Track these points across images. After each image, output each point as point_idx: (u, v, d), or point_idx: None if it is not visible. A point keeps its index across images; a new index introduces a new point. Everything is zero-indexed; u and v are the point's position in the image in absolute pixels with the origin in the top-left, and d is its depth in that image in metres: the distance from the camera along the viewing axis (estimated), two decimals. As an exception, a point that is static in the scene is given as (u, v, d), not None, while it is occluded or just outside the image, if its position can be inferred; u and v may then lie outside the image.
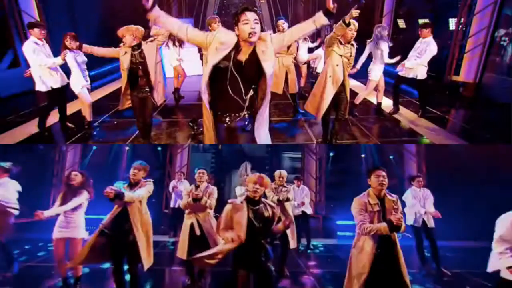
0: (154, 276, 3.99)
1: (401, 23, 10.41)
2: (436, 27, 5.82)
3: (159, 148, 7.05)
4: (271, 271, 2.65)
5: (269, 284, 2.66)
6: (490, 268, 2.71)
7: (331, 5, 2.56)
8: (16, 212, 3.61)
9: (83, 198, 3.52)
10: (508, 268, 2.56)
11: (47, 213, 3.35)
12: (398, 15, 10.31)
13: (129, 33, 4.01)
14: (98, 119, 5.67)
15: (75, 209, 3.51)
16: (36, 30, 4.59)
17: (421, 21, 8.51)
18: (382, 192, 2.71)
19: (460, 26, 7.44)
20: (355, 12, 3.49)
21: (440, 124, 5.25)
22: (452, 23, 8.20)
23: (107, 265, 3.53)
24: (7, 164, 3.76)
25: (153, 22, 2.66)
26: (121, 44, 4.16)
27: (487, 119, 5.59)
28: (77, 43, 4.64)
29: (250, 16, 2.48)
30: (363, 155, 7.28)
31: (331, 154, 7.41)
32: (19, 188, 3.75)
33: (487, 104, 6.38)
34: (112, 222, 3.10)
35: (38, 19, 7.45)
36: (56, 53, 4.82)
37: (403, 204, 4.12)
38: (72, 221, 3.53)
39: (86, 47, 4.50)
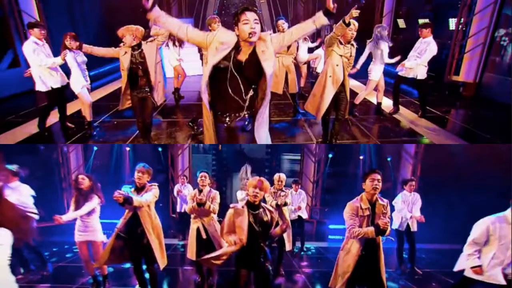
0: (169, 275, 4.47)
1: (401, 23, 10.40)
2: (436, 27, 5.82)
3: (160, 149, 7.05)
4: (269, 271, 2.83)
5: (267, 282, 2.87)
6: (457, 267, 3.05)
7: (331, 5, 2.55)
8: (37, 217, 3.63)
9: (95, 203, 3.70)
10: (472, 267, 2.86)
11: (65, 218, 3.55)
12: (398, 15, 10.30)
13: (129, 33, 4.01)
14: (98, 119, 5.66)
15: (89, 214, 3.70)
16: (36, 30, 4.57)
17: (421, 21, 8.50)
18: (374, 197, 2.84)
19: (460, 26, 7.42)
20: (355, 12, 3.48)
21: (440, 124, 5.25)
22: (452, 23, 8.20)
23: (128, 265, 3.86)
24: (14, 167, 3.72)
25: (153, 22, 2.66)
26: (121, 44, 4.15)
27: (487, 119, 5.57)
28: (77, 43, 4.62)
29: (250, 16, 2.47)
30: (361, 157, 7.31)
31: (330, 155, 7.42)
32: (32, 192, 3.74)
33: (487, 104, 6.37)
34: (126, 226, 3.29)
35: (38, 19, 7.45)
36: (56, 53, 4.80)
37: (392, 209, 4.47)
38: (89, 225, 3.74)
39: (86, 47, 4.47)
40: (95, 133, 5.12)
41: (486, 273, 2.84)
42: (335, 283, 2.96)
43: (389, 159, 7.16)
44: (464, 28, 7.37)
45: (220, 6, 16.85)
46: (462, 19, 7.36)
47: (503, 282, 2.79)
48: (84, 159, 7.25)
